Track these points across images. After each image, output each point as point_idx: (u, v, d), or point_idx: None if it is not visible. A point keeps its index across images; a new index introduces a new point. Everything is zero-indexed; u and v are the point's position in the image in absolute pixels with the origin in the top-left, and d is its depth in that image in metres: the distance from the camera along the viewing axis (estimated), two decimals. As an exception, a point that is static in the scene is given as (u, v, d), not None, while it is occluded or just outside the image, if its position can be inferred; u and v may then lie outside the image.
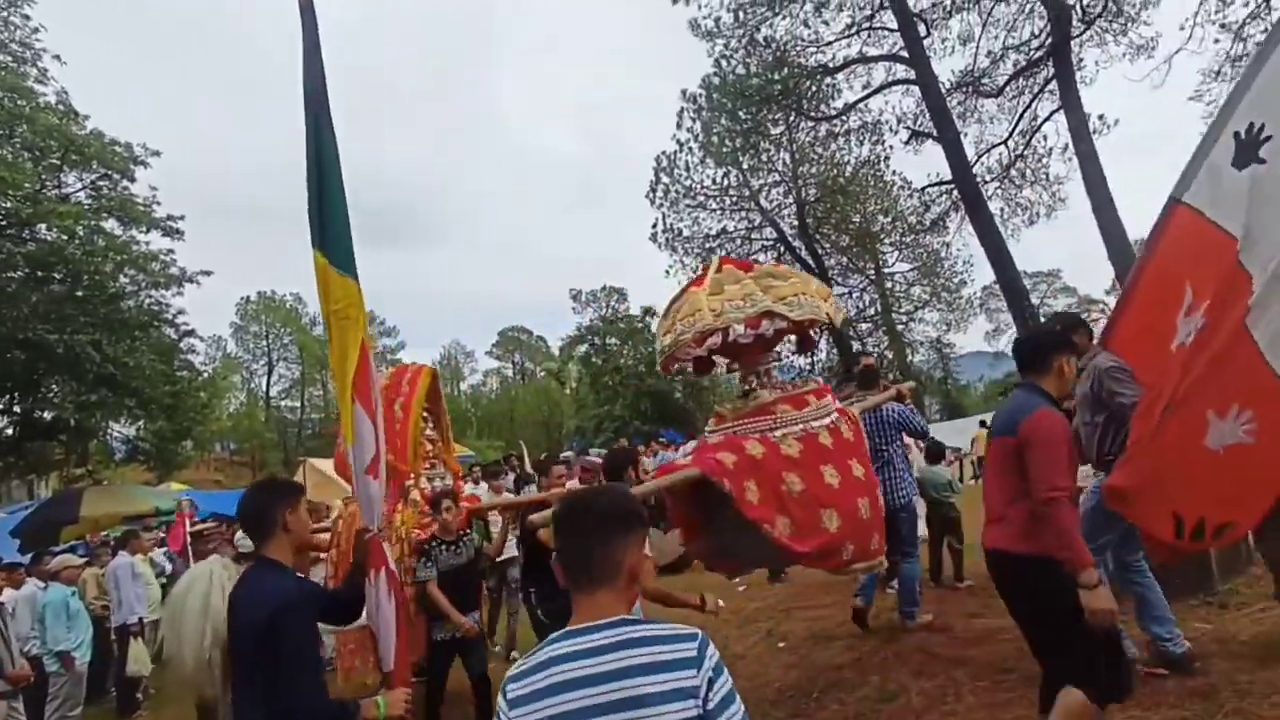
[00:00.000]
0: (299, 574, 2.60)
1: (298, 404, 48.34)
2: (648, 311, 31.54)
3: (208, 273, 18.76)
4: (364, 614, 2.77)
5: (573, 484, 5.60)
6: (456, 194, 78.15)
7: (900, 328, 27.02)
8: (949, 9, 17.35)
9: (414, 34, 75.22)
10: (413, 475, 4.97)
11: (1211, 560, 4.77)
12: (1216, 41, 15.31)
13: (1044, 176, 18.91)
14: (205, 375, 24.01)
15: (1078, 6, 15.77)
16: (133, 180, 17.43)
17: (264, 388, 47.36)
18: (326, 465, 14.28)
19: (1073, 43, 15.51)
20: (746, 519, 3.42)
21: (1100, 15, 16.01)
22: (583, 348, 34.52)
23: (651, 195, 22.16)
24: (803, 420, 3.78)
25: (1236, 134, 3.08)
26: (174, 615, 3.60)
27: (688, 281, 4.29)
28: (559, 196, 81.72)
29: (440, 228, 78.28)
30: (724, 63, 19.49)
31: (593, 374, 31.79)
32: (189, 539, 8.65)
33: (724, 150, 20.55)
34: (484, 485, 9.76)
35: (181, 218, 17.99)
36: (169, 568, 9.23)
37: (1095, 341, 3.83)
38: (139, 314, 17.69)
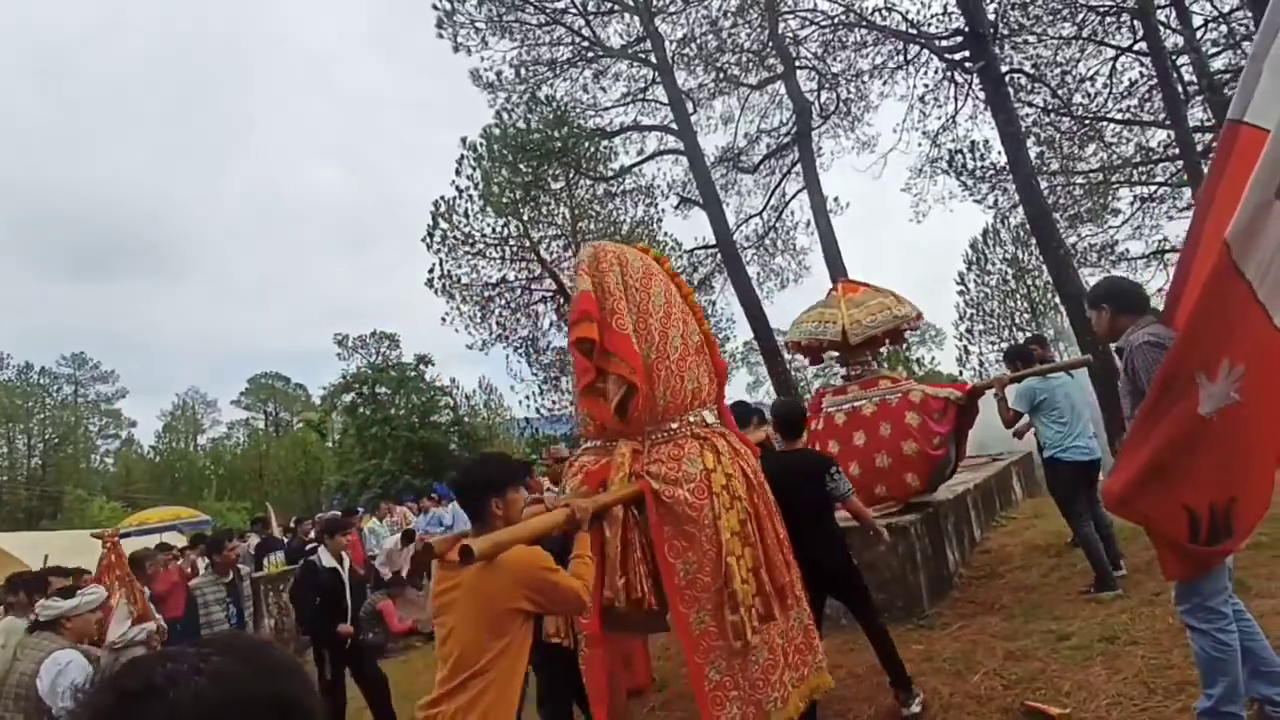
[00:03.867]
0: None
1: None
2: (422, 359, 30.17)
3: None
4: None
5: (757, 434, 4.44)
6: (201, 227, 69.12)
7: (672, 380, 28.58)
8: (713, 91, 19.25)
9: (155, 50, 66.88)
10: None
11: (923, 587, 5.41)
12: (919, 145, 18.55)
13: (792, 246, 21.35)
14: None
15: (816, 103, 18.27)
16: None
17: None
18: (4, 541, 11.98)
19: (813, 133, 17.90)
20: None
21: (834, 112, 18.68)
22: (349, 396, 31.99)
23: (429, 241, 21.47)
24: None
25: None
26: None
27: (834, 288, 6.32)
28: (322, 237, 75.94)
29: (178, 261, 68.72)
30: (505, 115, 19.79)
31: (359, 425, 29.54)
32: None
33: (504, 201, 20.58)
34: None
35: None
36: None
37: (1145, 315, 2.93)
38: None
